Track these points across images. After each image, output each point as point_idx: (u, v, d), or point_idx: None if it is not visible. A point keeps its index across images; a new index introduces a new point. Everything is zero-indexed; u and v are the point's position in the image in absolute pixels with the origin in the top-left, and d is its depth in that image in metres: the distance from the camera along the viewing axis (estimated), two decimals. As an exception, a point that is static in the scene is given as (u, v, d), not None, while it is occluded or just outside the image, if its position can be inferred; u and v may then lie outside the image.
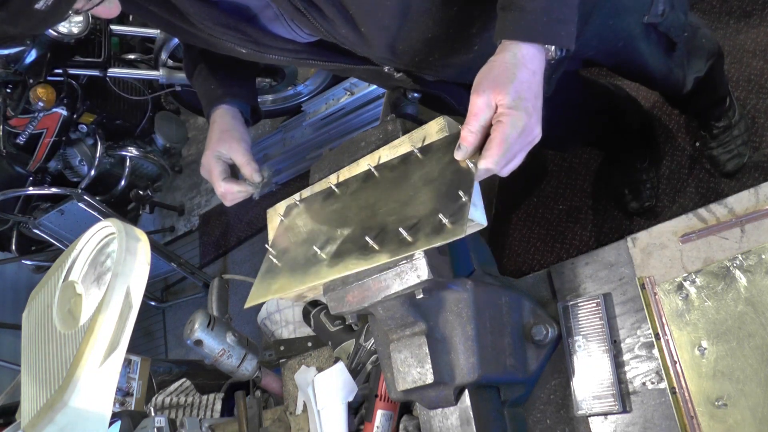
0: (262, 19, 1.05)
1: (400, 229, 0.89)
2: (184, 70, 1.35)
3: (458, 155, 0.89)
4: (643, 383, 1.03)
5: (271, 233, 1.25)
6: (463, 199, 0.86)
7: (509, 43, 0.88)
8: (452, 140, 0.97)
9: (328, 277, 0.97)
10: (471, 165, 0.88)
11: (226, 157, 1.19)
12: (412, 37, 1.04)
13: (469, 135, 0.87)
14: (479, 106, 0.86)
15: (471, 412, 1.00)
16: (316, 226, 1.07)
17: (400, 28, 1.01)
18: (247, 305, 1.08)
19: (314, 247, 1.01)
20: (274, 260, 1.09)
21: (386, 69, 1.12)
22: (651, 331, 1.03)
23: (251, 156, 1.19)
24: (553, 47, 0.89)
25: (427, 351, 0.98)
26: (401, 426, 1.18)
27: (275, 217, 1.25)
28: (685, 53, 1.48)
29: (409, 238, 0.89)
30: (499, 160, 0.85)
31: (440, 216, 0.86)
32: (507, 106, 0.84)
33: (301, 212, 1.14)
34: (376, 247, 0.92)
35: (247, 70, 1.29)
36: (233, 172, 1.22)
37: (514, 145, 0.85)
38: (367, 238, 0.93)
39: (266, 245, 1.14)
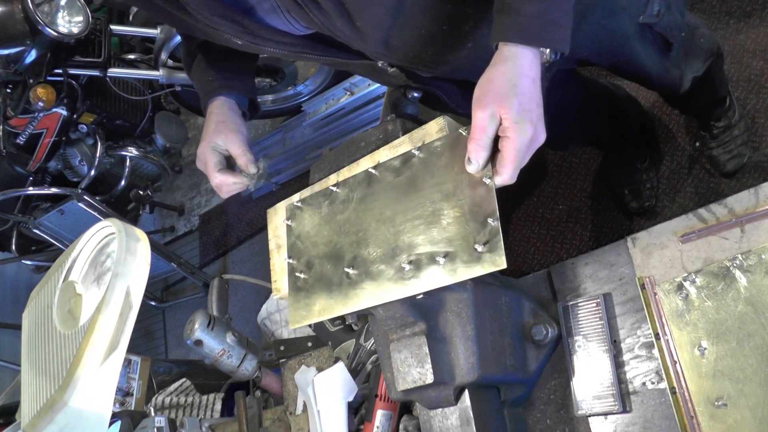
0: (259, 11, 1.06)
1: (438, 259, 0.91)
2: (183, 64, 1.34)
3: (470, 169, 0.90)
4: (643, 383, 1.03)
5: (272, 233, 1.24)
6: (493, 225, 0.88)
7: (506, 49, 0.89)
8: (453, 141, 0.97)
9: (371, 302, 0.98)
10: (487, 180, 0.90)
11: (222, 149, 1.19)
12: (406, 33, 1.04)
13: (479, 150, 0.88)
14: (484, 119, 0.87)
15: (471, 412, 1.00)
16: (334, 238, 1.07)
17: (394, 24, 1.02)
18: (292, 327, 1.09)
19: (345, 268, 1.01)
20: (301, 275, 1.09)
21: (380, 64, 1.12)
22: (651, 331, 1.03)
23: (247, 147, 1.19)
24: (548, 50, 0.90)
25: (427, 351, 0.98)
26: (401, 426, 1.18)
27: (275, 217, 1.24)
28: (683, 53, 1.47)
29: (449, 268, 0.91)
30: (514, 174, 0.88)
31: (475, 246, 0.88)
32: (513, 120, 0.85)
33: (311, 218, 1.13)
34: (414, 272, 0.94)
35: (246, 64, 1.29)
36: (229, 164, 1.21)
37: (525, 156, 0.88)
38: (404, 265, 0.95)
39: (287, 259, 1.13)
